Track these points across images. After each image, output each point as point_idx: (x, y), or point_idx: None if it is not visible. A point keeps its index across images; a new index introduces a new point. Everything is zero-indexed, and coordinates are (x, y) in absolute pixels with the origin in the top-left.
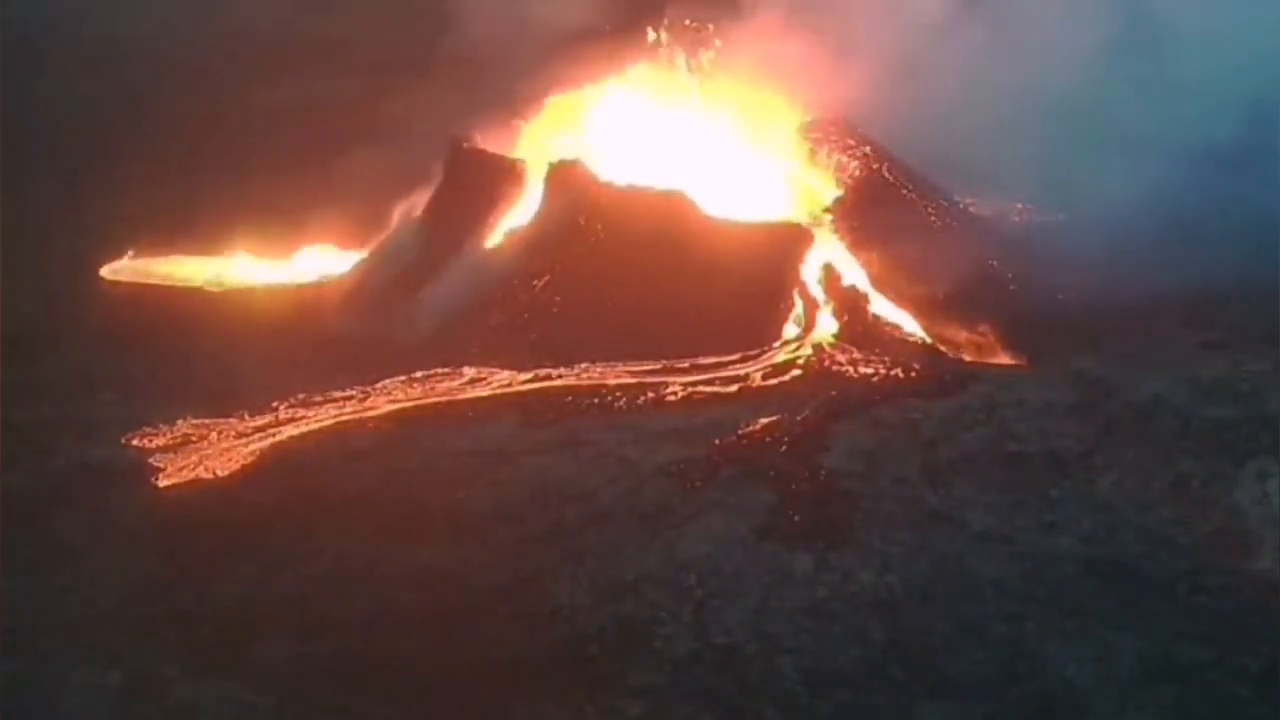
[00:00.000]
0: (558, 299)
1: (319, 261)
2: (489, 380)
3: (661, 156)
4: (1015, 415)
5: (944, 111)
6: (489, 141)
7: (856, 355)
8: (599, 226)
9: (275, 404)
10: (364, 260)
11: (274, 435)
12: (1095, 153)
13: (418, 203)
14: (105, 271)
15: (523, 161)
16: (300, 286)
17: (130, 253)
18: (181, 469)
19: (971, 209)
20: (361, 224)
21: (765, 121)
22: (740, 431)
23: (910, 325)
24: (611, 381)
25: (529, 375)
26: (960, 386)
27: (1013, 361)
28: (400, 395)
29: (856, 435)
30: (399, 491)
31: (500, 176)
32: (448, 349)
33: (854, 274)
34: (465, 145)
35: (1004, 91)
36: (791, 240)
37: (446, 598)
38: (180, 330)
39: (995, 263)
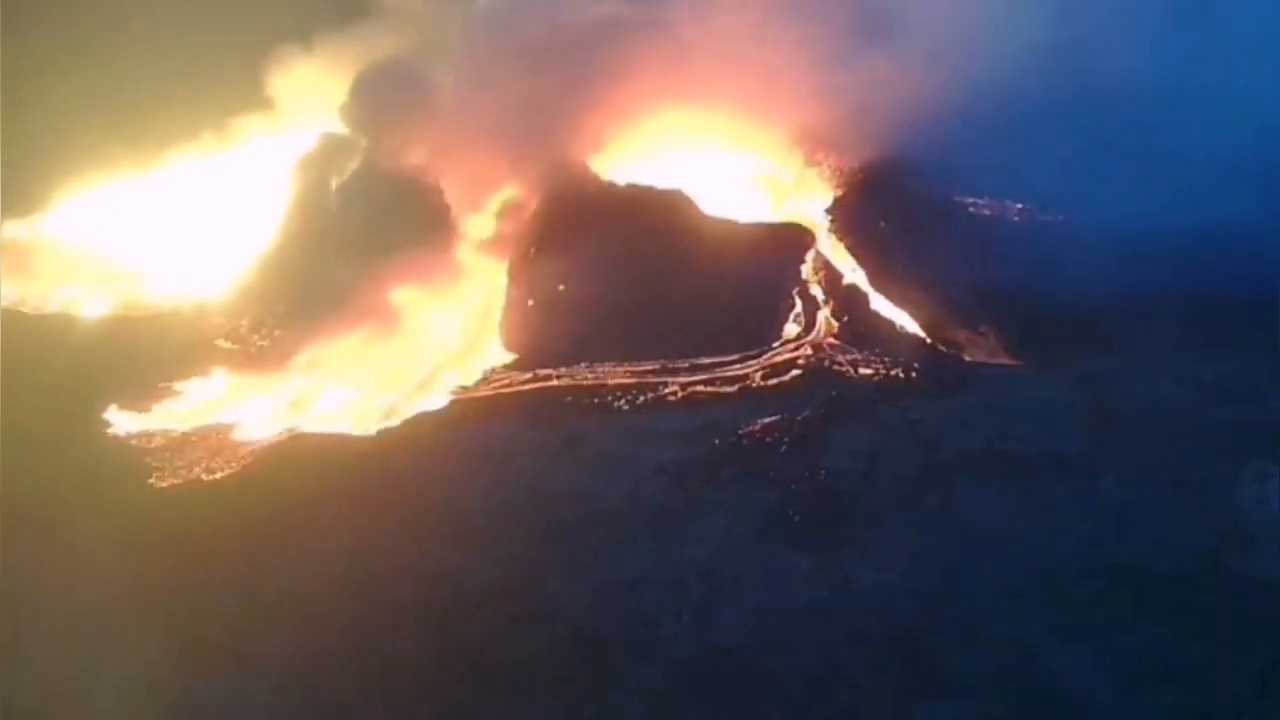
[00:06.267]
0: (557, 299)
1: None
2: (489, 380)
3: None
4: (1015, 415)
5: (944, 111)
6: None
7: (856, 355)
8: (599, 226)
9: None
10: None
11: (273, 435)
12: (1095, 154)
13: None
14: None
15: None
16: None
17: None
18: (180, 469)
19: (971, 209)
20: None
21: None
22: (740, 431)
23: (910, 325)
24: (611, 381)
25: (529, 375)
26: (960, 386)
27: (1013, 361)
28: (400, 395)
29: (856, 435)
30: (399, 491)
31: None
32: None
33: (854, 274)
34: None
35: (1004, 91)
36: (791, 240)
37: (446, 597)
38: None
39: (995, 263)
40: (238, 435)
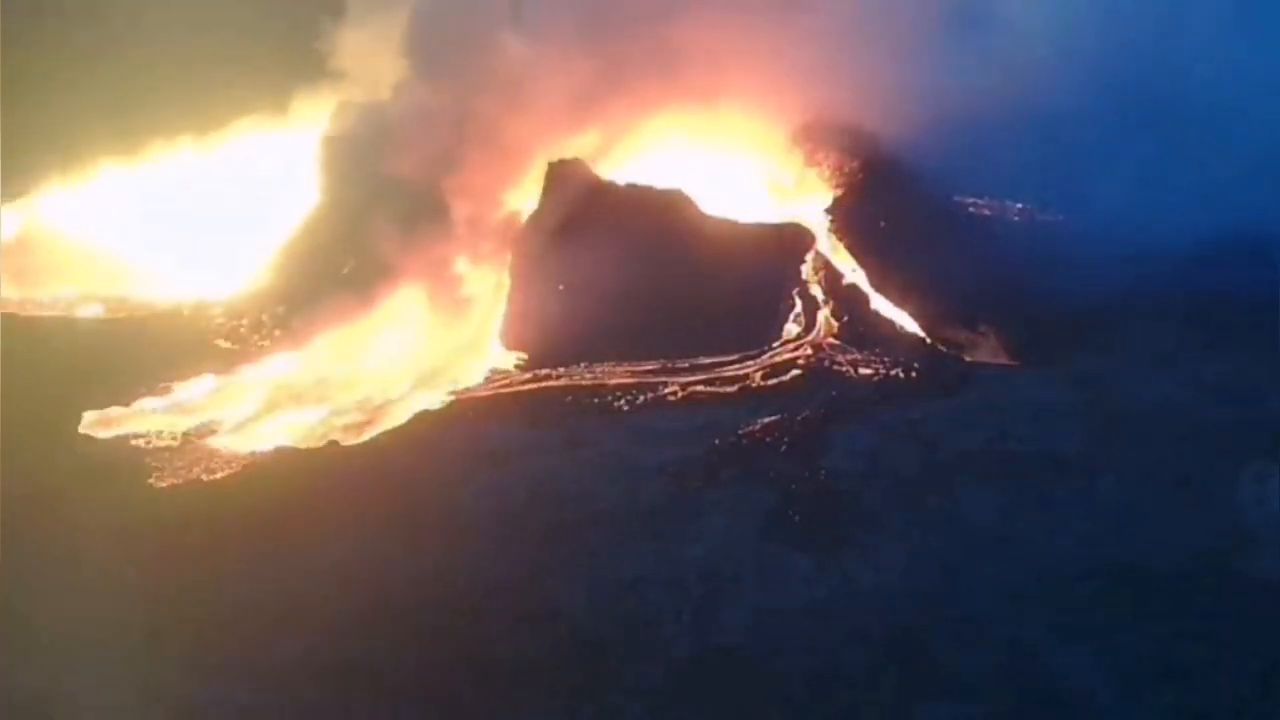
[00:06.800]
0: (557, 299)
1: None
2: (489, 380)
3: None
4: (1015, 415)
5: (943, 111)
6: None
7: (856, 355)
8: (598, 225)
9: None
10: None
11: (273, 435)
12: (1095, 154)
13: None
14: None
15: None
16: None
17: None
18: (180, 469)
19: (971, 209)
20: None
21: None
22: (740, 431)
23: (910, 325)
24: (611, 381)
25: (529, 375)
26: (960, 386)
27: (1013, 361)
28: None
29: (856, 435)
30: (399, 491)
31: None
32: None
33: (854, 274)
34: None
35: (1003, 92)
36: (791, 240)
37: (446, 598)
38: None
39: (995, 263)
40: (235, 440)
